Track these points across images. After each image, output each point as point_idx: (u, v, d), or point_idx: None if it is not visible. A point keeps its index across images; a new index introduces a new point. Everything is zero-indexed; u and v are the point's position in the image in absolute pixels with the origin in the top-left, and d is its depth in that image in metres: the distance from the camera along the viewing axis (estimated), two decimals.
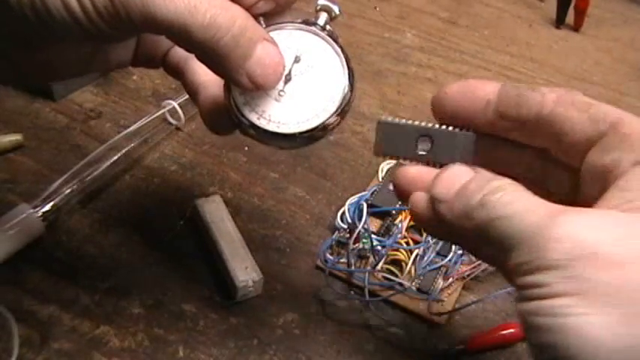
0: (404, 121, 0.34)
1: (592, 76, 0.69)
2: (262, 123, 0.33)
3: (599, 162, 0.28)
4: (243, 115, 0.33)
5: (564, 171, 0.32)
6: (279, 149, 0.35)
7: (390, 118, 0.34)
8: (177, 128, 0.57)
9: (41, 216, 0.46)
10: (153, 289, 0.45)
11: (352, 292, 0.46)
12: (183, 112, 0.56)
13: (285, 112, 0.33)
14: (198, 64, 0.37)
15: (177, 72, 0.39)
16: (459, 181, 0.30)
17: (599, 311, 0.23)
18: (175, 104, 0.56)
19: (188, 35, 0.29)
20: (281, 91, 0.33)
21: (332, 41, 0.34)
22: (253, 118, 0.33)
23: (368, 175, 0.54)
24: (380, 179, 0.52)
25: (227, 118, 0.34)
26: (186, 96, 0.56)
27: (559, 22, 0.76)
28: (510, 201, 0.27)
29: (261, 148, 0.57)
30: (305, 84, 0.33)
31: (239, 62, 0.31)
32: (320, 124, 0.33)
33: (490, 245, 0.27)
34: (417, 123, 0.33)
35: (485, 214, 0.27)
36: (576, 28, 0.75)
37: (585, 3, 0.74)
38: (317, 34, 0.34)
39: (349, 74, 0.34)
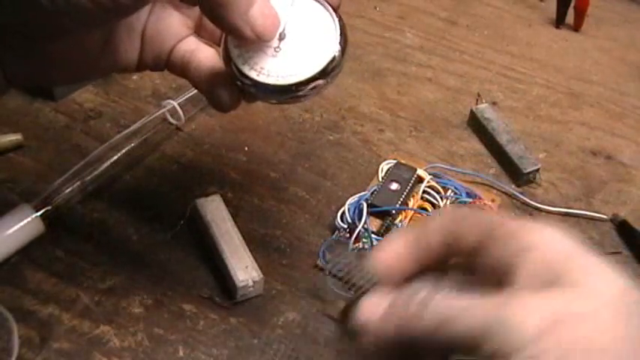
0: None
1: (592, 76, 0.69)
2: (262, 78, 0.35)
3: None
4: (243, 75, 0.36)
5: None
6: (279, 104, 0.40)
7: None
8: (178, 128, 0.57)
9: (41, 216, 0.46)
10: (153, 289, 0.45)
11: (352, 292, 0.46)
12: (183, 112, 0.56)
13: (281, 67, 0.35)
14: (203, 53, 0.38)
15: (182, 66, 0.39)
16: (380, 304, 0.29)
17: None
18: (175, 104, 0.56)
19: None
20: (277, 47, 0.36)
21: (324, 2, 0.36)
22: (253, 75, 0.35)
23: (368, 175, 0.54)
24: (380, 179, 0.52)
25: (229, 86, 0.37)
26: (187, 96, 0.57)
27: (559, 22, 0.76)
28: (453, 299, 0.27)
29: (261, 148, 0.57)
30: (299, 41, 0.36)
31: (243, 9, 0.33)
32: (313, 76, 0.35)
33: (453, 348, 0.27)
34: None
35: (429, 319, 0.27)
36: (576, 28, 0.75)
37: (585, 3, 0.74)
38: None
39: (340, 27, 0.36)
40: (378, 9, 0.75)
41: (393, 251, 0.32)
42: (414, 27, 0.73)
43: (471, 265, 0.30)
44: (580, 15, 0.75)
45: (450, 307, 0.27)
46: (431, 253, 0.31)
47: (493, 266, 0.28)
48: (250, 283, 0.44)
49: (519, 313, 0.25)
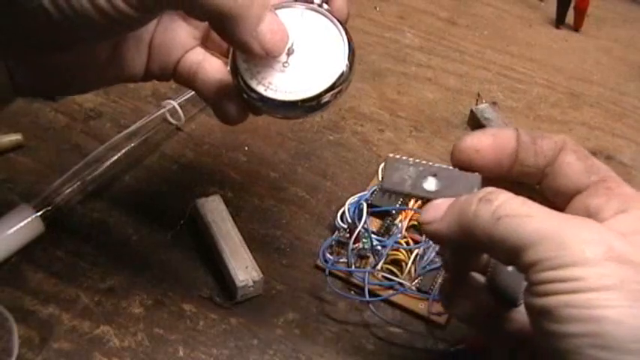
0: (412, 159, 0.35)
1: (592, 76, 0.69)
2: (269, 93, 0.35)
3: (583, 205, 0.31)
4: (251, 89, 0.35)
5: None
6: (285, 119, 0.40)
7: (398, 156, 0.35)
8: (178, 128, 0.57)
9: (41, 216, 0.46)
10: (153, 289, 0.45)
11: (352, 292, 0.46)
12: (183, 112, 0.56)
13: (289, 82, 0.35)
14: (210, 64, 0.38)
15: (189, 77, 0.39)
16: (445, 203, 0.32)
17: (636, 305, 0.25)
18: (175, 104, 0.56)
19: None
20: (285, 62, 0.36)
21: (333, 17, 0.36)
22: (261, 89, 0.35)
23: (368, 175, 0.54)
24: (380, 179, 0.52)
25: (235, 99, 0.37)
26: (186, 96, 0.56)
27: (559, 22, 0.76)
28: (520, 203, 0.29)
29: (261, 148, 0.57)
30: (307, 57, 0.36)
31: (252, 25, 0.33)
32: (321, 92, 0.35)
33: (496, 245, 0.29)
34: (424, 162, 0.34)
35: (489, 215, 0.29)
36: (576, 28, 0.75)
37: (585, 3, 0.74)
38: (317, 11, 0.36)
39: (348, 42, 0.36)
40: (378, 9, 0.75)
41: (485, 151, 0.33)
42: (414, 27, 0.73)
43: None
44: (580, 15, 0.75)
45: (517, 207, 0.29)
46: (528, 172, 0.33)
47: (585, 212, 0.31)
48: (250, 283, 0.44)
49: (586, 235, 0.27)
